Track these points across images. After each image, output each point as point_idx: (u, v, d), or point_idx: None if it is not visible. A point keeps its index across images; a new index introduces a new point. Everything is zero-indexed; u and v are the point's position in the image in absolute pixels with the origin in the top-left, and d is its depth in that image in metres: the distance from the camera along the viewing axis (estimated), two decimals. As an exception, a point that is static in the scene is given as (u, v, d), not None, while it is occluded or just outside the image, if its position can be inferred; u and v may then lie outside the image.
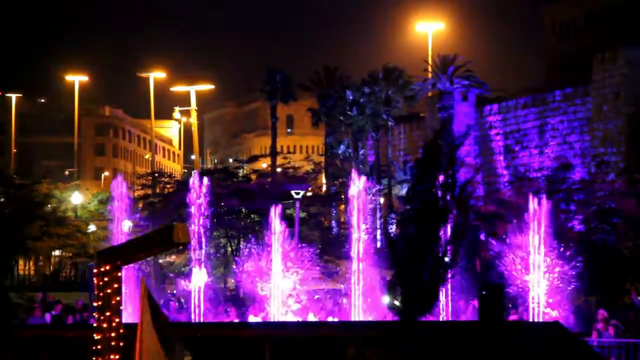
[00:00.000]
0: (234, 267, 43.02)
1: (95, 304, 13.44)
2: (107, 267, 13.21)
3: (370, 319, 29.24)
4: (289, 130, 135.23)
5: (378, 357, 19.34)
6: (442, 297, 28.17)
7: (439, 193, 20.76)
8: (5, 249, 49.07)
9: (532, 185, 47.46)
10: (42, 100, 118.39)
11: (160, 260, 53.07)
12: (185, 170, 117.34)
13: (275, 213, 31.28)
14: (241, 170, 71.25)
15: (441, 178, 20.77)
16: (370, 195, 67.33)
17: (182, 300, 39.19)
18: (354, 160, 69.67)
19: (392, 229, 52.59)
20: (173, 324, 13.70)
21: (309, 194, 59.04)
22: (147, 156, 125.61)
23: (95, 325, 13.27)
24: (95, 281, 13.32)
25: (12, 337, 21.62)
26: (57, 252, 64.33)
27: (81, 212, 63.69)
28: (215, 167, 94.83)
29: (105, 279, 13.21)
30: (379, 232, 63.43)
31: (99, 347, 13.11)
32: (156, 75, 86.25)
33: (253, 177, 63.81)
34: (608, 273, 37.31)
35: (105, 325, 13.11)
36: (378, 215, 65.62)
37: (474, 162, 63.86)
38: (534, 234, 29.07)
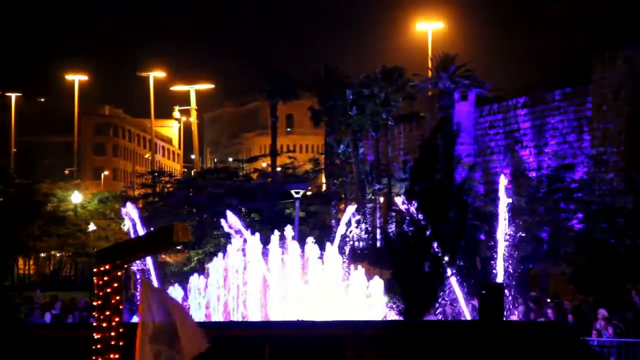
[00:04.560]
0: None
1: (95, 303, 13.46)
2: (107, 267, 13.23)
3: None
4: (288, 129, 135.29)
5: (378, 358, 19.34)
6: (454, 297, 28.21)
7: (437, 192, 20.82)
8: (6, 248, 49.09)
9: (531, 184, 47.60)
10: (42, 100, 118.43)
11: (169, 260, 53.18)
12: (185, 170, 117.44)
13: None
14: (241, 169, 71.31)
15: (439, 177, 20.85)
16: (370, 195, 67.52)
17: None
18: (354, 159, 69.69)
19: (392, 228, 52.60)
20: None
21: (309, 193, 59.09)
22: (147, 156, 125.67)
23: (95, 324, 13.29)
24: (95, 280, 13.34)
25: (11, 337, 21.63)
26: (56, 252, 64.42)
27: (81, 211, 63.75)
28: (215, 167, 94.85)
29: (105, 278, 13.22)
30: (378, 231, 63.51)
31: (99, 346, 13.12)
32: (156, 75, 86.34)
33: (254, 176, 63.92)
34: (608, 272, 37.31)
35: (105, 325, 13.13)
36: (377, 215, 65.66)
37: (473, 161, 63.88)
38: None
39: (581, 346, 21.74)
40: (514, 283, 30.93)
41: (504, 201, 30.00)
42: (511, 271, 31.09)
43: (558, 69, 67.34)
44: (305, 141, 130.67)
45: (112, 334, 13.12)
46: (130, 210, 32.87)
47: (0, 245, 46.95)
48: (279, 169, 74.22)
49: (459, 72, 67.39)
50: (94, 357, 13.14)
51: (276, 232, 31.54)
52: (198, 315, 30.94)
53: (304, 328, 21.22)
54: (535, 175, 55.09)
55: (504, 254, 31.54)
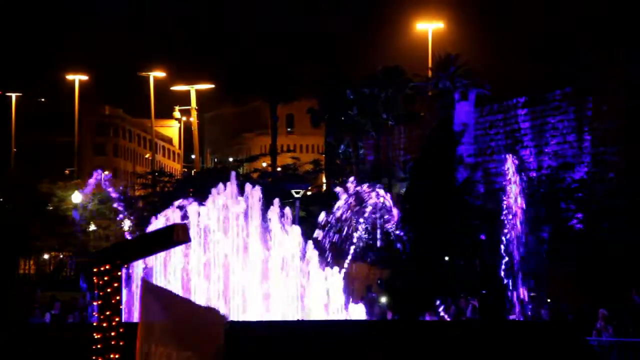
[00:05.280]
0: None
1: (95, 303, 13.46)
2: (107, 267, 13.23)
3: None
4: (289, 129, 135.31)
5: (379, 357, 19.36)
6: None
7: (437, 192, 20.82)
8: (9, 247, 49.18)
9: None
10: (42, 100, 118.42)
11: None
12: (186, 170, 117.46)
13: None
14: (241, 169, 71.32)
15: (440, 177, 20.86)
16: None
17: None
18: (354, 159, 69.70)
19: (392, 228, 52.61)
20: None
21: (309, 193, 59.05)
22: (147, 155, 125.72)
23: (95, 324, 13.29)
24: (95, 280, 13.34)
25: (12, 337, 21.64)
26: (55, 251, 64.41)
27: (81, 211, 63.74)
28: (215, 166, 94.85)
29: (105, 278, 13.22)
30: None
31: (99, 346, 13.13)
32: (156, 75, 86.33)
33: (254, 176, 63.87)
34: (608, 272, 37.32)
35: (105, 325, 13.13)
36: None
37: (473, 161, 63.92)
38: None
39: (581, 346, 21.75)
40: (514, 283, 30.93)
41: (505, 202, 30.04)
42: (511, 271, 31.10)
43: (558, 68, 67.35)
44: (306, 141, 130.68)
45: (112, 334, 13.12)
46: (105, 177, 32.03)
47: (1, 245, 47.02)
48: (279, 169, 74.23)
49: (459, 72, 67.43)
50: (94, 357, 13.14)
51: (276, 201, 31.18)
52: (199, 270, 30.85)
53: (304, 328, 21.22)
54: (535, 175, 55.11)
55: (503, 255, 31.56)
